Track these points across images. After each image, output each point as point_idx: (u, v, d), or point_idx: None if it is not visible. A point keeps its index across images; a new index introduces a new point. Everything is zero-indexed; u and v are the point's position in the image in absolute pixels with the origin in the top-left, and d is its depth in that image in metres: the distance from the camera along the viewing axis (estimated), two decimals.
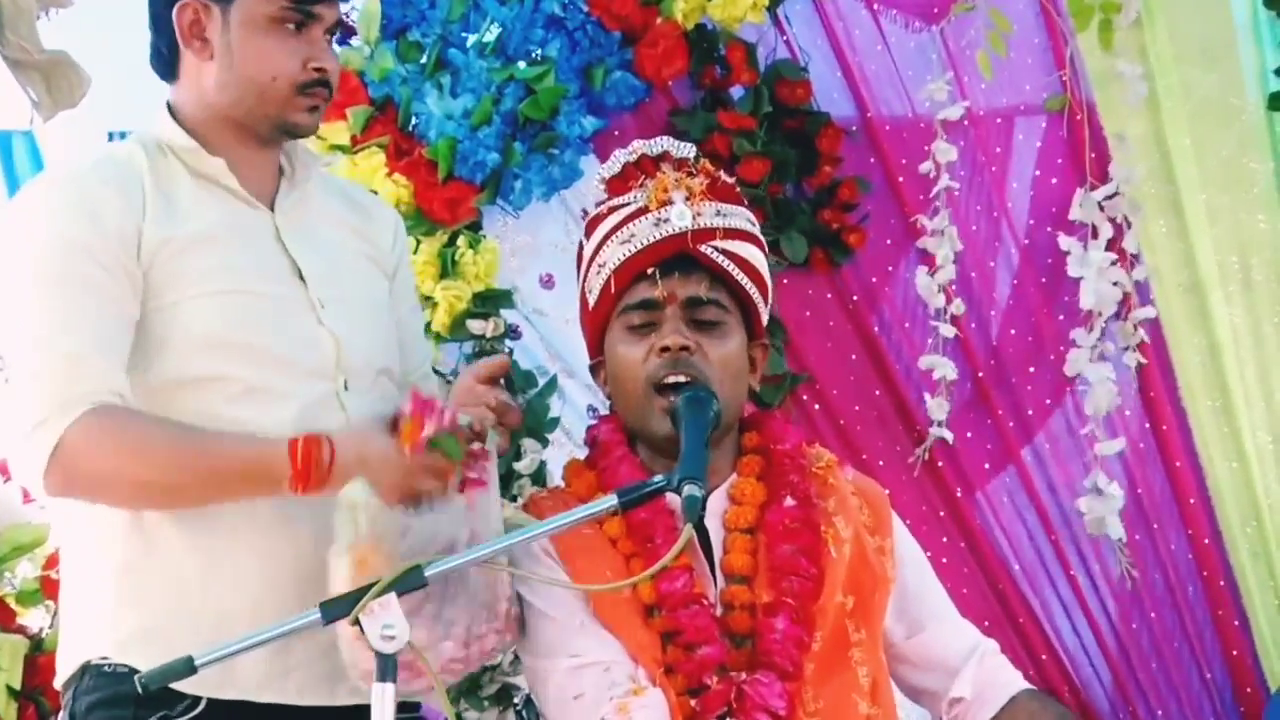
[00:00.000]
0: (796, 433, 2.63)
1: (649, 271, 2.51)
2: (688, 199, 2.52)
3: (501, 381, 2.51)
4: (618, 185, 2.56)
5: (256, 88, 2.44)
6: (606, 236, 2.54)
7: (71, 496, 2.38)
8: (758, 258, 2.57)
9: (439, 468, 2.34)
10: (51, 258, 2.38)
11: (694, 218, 2.51)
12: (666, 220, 2.51)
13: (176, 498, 2.35)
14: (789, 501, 2.51)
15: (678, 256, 2.50)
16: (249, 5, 2.45)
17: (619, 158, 2.58)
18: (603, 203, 2.58)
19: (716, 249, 2.51)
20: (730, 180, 2.61)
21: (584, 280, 2.59)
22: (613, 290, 2.53)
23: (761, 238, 2.59)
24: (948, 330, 3.66)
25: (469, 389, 2.45)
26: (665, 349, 2.48)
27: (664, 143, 2.58)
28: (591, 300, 2.56)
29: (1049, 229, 3.72)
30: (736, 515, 2.50)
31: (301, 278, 2.48)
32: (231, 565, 2.38)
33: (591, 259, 2.56)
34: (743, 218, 2.57)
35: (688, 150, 2.58)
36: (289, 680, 2.38)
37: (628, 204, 2.54)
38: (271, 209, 2.51)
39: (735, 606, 2.44)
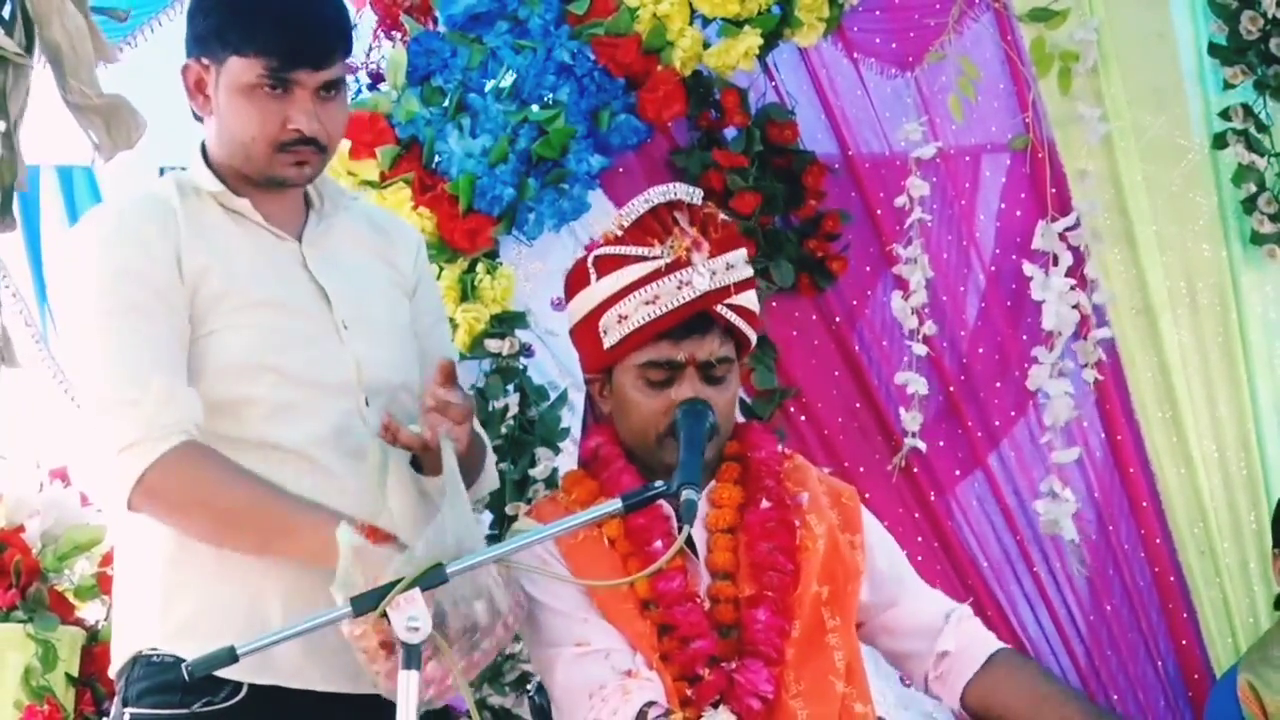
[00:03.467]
0: (772, 441, 2.73)
1: (670, 332, 2.59)
2: (707, 257, 2.60)
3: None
4: (636, 235, 2.62)
5: (240, 145, 2.49)
6: (629, 289, 2.60)
7: (146, 515, 2.41)
8: (753, 300, 2.67)
9: None
10: (113, 288, 2.42)
11: (711, 277, 2.59)
12: (689, 284, 2.58)
13: (236, 542, 2.41)
14: (765, 504, 2.62)
15: (696, 317, 2.60)
16: (233, 71, 2.47)
17: (636, 205, 2.65)
18: (620, 242, 2.64)
19: (729, 306, 2.62)
20: (730, 221, 2.70)
21: (594, 314, 2.64)
22: (634, 344, 2.61)
23: (751, 272, 2.68)
24: (920, 349, 3.74)
25: (430, 391, 2.48)
26: None
27: (676, 190, 2.65)
28: (607, 342, 2.62)
29: (1013, 257, 3.81)
30: (717, 517, 2.61)
31: (328, 302, 2.53)
32: (263, 559, 2.43)
33: (608, 303, 2.62)
34: (742, 261, 2.65)
35: (697, 196, 2.65)
36: (317, 668, 2.43)
37: (647, 258, 2.60)
38: (299, 240, 2.56)
39: (721, 600, 2.56)
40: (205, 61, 2.51)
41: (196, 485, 2.39)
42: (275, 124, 2.47)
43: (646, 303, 2.60)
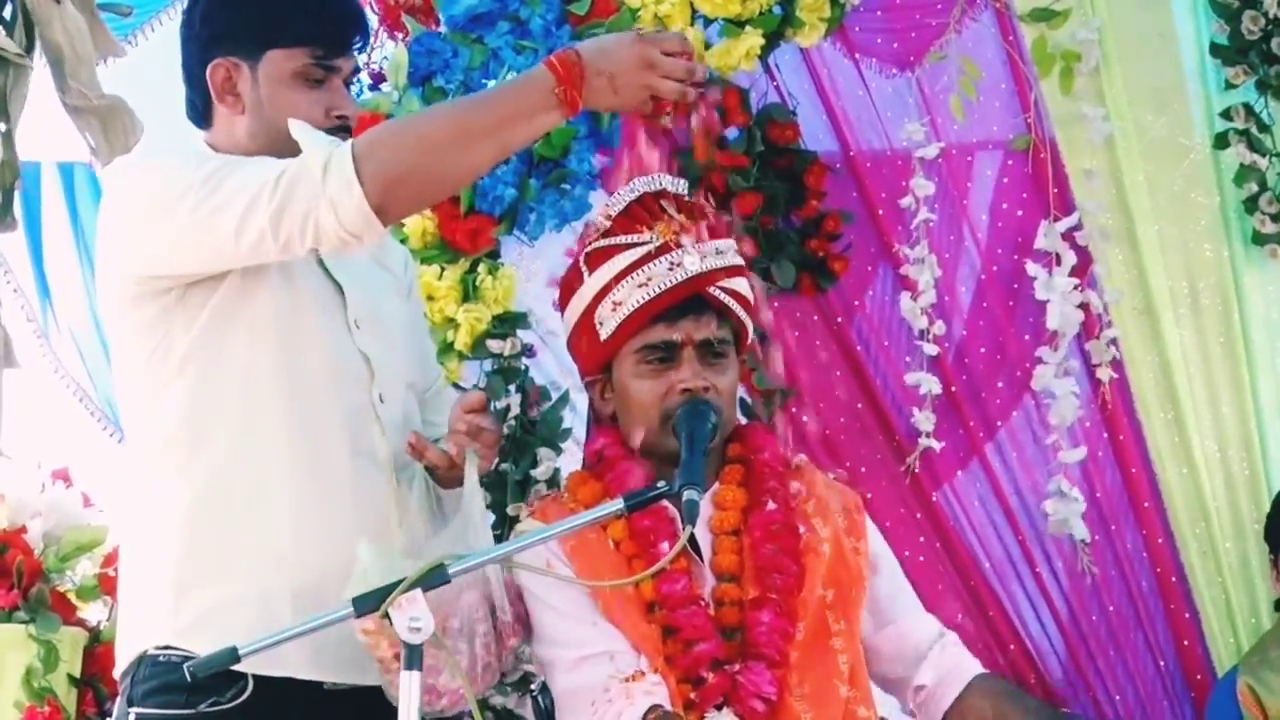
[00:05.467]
0: (775, 442, 2.72)
1: (665, 314, 2.60)
2: (695, 241, 2.61)
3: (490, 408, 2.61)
4: (624, 224, 2.65)
5: (285, 136, 2.47)
6: (621, 275, 2.62)
7: (394, 198, 2.33)
8: (745, 287, 2.68)
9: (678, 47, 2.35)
10: (201, 155, 2.47)
11: (702, 260, 2.61)
12: (679, 265, 2.60)
13: (470, 147, 2.34)
14: (770, 505, 2.62)
15: (690, 299, 2.61)
16: (276, 62, 2.52)
17: (622, 196, 2.66)
18: (609, 234, 2.66)
19: (721, 289, 2.63)
20: (717, 211, 2.70)
21: (589, 309, 2.65)
22: (630, 329, 2.62)
23: (742, 261, 2.69)
24: (930, 349, 3.76)
25: (458, 416, 2.55)
26: (687, 390, 2.58)
27: (661, 180, 2.66)
28: (604, 332, 2.63)
29: (1015, 256, 3.82)
30: (721, 519, 2.61)
31: (343, 300, 2.57)
32: (273, 554, 2.44)
33: (602, 293, 2.63)
34: (732, 250, 2.66)
35: (682, 187, 2.66)
36: (326, 659, 2.43)
37: (637, 244, 2.62)
38: None
39: (725, 602, 2.56)
40: (235, 60, 2.54)
41: (396, 128, 2.41)
42: (320, 112, 2.53)
43: (640, 286, 2.61)
